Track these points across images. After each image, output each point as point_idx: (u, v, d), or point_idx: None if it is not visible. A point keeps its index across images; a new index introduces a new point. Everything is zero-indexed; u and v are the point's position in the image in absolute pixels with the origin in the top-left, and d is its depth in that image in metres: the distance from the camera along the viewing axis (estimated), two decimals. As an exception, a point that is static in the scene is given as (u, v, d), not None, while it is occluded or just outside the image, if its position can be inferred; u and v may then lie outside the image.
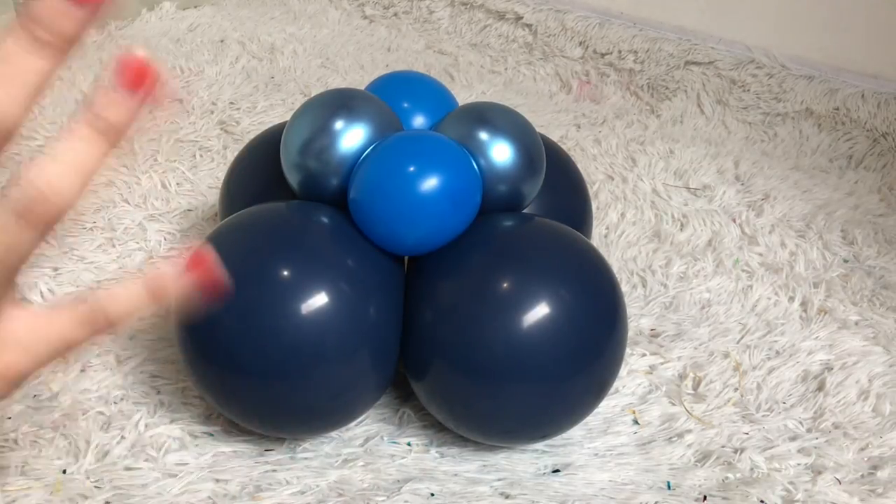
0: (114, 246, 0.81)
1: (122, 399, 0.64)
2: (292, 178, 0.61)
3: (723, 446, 0.63)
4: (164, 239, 0.83)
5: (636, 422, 0.65)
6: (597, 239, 0.89)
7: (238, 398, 0.56)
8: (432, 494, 0.57)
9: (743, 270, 0.84)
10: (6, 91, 0.23)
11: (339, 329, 0.54)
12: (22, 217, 0.24)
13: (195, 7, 1.46)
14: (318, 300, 0.53)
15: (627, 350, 0.66)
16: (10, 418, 0.61)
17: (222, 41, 1.33)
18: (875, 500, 0.58)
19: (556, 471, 0.61)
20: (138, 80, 0.25)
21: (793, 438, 0.64)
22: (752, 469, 0.61)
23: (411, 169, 0.56)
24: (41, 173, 0.25)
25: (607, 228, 0.91)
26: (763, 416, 0.66)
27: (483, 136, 0.60)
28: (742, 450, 0.62)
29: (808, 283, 0.82)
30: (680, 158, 1.05)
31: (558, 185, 0.69)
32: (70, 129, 0.25)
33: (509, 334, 0.54)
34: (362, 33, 1.44)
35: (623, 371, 0.69)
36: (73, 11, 0.23)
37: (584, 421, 0.63)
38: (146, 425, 0.61)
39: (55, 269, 0.77)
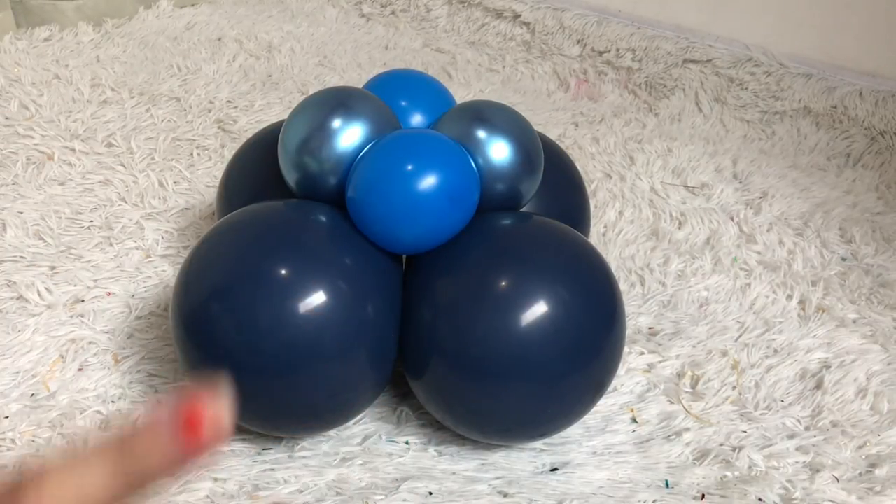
0: (111, 245, 0.81)
1: (119, 398, 0.64)
2: (290, 177, 0.61)
3: (721, 444, 0.63)
4: (162, 237, 0.83)
5: (634, 420, 0.65)
6: (595, 237, 0.89)
7: (236, 397, 0.56)
8: (430, 493, 0.57)
9: (741, 269, 0.84)
10: None
11: (336, 328, 0.54)
12: None
13: (192, 5, 1.46)
14: (316, 299, 0.53)
15: (626, 348, 0.66)
16: (7, 417, 0.61)
17: (220, 39, 1.33)
18: (873, 498, 0.58)
19: (555, 469, 0.61)
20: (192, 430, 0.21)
21: (791, 436, 0.64)
22: (750, 467, 0.61)
23: (409, 167, 0.56)
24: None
25: (605, 227, 0.91)
26: (761, 414, 0.66)
27: (481, 134, 0.60)
28: (740, 448, 0.62)
29: (807, 281, 0.82)
30: (678, 157, 1.05)
31: (556, 183, 0.69)
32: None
33: (508, 333, 0.54)
34: (360, 31, 1.44)
35: (621, 369, 0.69)
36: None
37: (583, 419, 0.63)
38: (144, 424, 0.61)
39: (52, 268, 0.76)
